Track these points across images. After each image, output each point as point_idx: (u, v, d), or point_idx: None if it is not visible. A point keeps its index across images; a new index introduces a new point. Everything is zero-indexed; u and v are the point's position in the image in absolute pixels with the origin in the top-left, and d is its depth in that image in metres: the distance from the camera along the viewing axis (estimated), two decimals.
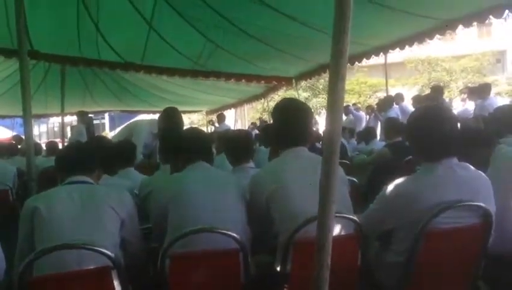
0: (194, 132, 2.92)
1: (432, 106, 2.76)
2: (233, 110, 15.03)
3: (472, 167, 2.28)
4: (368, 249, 2.24)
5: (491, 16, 6.26)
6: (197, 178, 2.40)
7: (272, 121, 2.67)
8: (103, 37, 6.88)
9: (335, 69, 1.44)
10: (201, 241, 2.13)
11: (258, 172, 2.56)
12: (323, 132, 1.46)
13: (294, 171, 2.28)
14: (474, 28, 6.99)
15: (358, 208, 2.46)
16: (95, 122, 14.13)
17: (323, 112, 28.62)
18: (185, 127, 4.86)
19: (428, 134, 2.23)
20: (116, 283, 1.91)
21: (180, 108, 5.47)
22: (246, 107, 16.53)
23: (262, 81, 9.50)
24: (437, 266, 2.19)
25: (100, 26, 6.52)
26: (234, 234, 2.02)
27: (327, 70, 7.38)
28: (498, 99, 10.26)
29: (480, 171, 2.30)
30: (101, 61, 7.87)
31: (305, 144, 2.41)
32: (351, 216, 2.13)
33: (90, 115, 10.97)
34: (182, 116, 4.75)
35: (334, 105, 1.42)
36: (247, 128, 16.14)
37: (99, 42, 7.02)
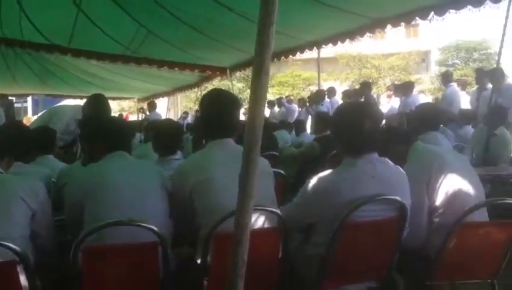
0: (114, 120, 2.81)
1: (355, 102, 2.84)
2: (166, 98, 14.75)
3: (391, 163, 2.36)
4: (289, 241, 2.26)
5: (417, 17, 6.55)
6: (115, 169, 2.30)
7: (199, 112, 2.62)
8: (27, 17, 6.48)
9: (259, 61, 1.41)
10: (120, 234, 2.04)
11: (182, 163, 2.51)
12: (246, 124, 1.43)
13: (219, 163, 2.25)
14: (402, 28, 7.26)
15: (286, 201, 2.48)
16: (16, 105, 13.35)
17: None
18: (115, 115, 4.69)
19: (350, 129, 2.28)
20: (22, 278, 1.80)
21: (110, 94, 5.29)
22: (179, 95, 16.30)
23: (196, 70, 9.38)
24: (355, 257, 2.26)
25: (24, 5, 6.13)
26: (153, 227, 1.96)
27: None
28: (421, 97, 10.79)
29: (398, 167, 2.39)
30: (23, 42, 7.43)
31: (232, 135, 2.39)
32: (273, 209, 2.14)
33: (10, 98, 10.34)
34: (108, 104, 4.57)
35: (257, 98, 1.40)
36: (179, 117, 15.92)
37: (23, 22, 6.62)
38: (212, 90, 2.66)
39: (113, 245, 2.04)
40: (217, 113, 2.40)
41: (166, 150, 3.43)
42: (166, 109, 15.20)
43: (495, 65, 6.66)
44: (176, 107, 17.97)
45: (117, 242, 2.05)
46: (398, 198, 2.22)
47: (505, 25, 5.69)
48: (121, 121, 2.84)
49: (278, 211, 2.15)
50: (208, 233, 2.01)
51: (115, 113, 17.33)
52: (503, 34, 5.70)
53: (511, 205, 2.37)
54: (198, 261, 2.11)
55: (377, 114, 2.50)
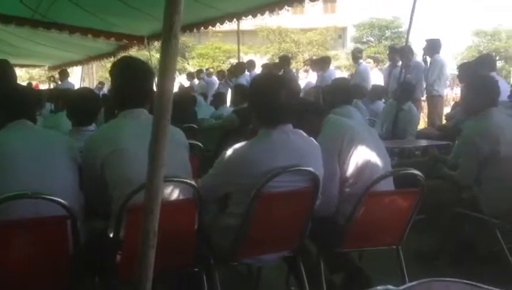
0: (16, 86, 2.61)
1: (271, 73, 2.85)
2: (79, 67, 14.01)
3: (305, 134, 2.42)
4: (205, 212, 2.26)
5: None
6: (17, 138, 2.13)
7: (110, 81, 2.50)
8: None
9: (168, 28, 1.36)
10: (24, 209, 1.92)
11: (93, 134, 2.40)
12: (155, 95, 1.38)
13: (130, 134, 2.17)
14: (320, 3, 7.40)
15: (204, 173, 2.46)
16: None
17: (177, 75, 28.30)
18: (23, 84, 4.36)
19: (265, 101, 2.30)
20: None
21: (17, 61, 4.90)
22: (95, 65, 15.56)
23: (112, 38, 8.93)
24: (270, 228, 2.31)
25: None
26: (60, 200, 1.86)
27: (182, 32, 7.23)
28: (337, 72, 11.14)
29: (311, 138, 2.45)
30: None
31: (144, 105, 2.31)
32: (187, 180, 2.11)
33: None
34: (13, 71, 4.23)
35: (166, 65, 1.35)
36: (94, 87, 15.24)
37: None
38: (122, 57, 2.55)
39: (18, 220, 1.91)
40: (127, 81, 2.30)
41: (81, 120, 3.27)
42: (80, 78, 14.48)
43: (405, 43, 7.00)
44: (91, 76, 17.16)
45: (21, 217, 1.92)
46: (311, 169, 2.28)
47: (414, 4, 5.97)
48: (24, 87, 2.64)
49: (193, 182, 2.13)
50: (120, 205, 1.95)
51: (23, 82, 16.25)
52: (412, 13, 5.99)
53: (414, 175, 2.53)
54: (111, 234, 2.05)
55: (293, 86, 2.55)
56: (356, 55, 9.02)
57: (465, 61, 10.18)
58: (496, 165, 3.15)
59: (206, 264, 2.30)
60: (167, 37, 1.32)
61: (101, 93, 12.11)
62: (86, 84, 15.94)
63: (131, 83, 2.28)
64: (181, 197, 2.19)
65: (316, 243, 2.58)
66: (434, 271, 3.17)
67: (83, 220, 2.14)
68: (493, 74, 5.70)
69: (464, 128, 3.57)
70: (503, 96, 4.17)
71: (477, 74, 5.16)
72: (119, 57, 11.29)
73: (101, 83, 15.87)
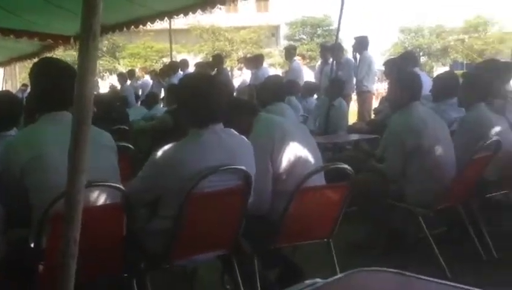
0: None
1: (199, 73, 2.82)
2: (1, 69, 13.25)
3: (236, 133, 2.41)
4: (135, 217, 2.20)
5: None
6: None
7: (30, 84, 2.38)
8: None
9: (86, 27, 1.31)
10: None
11: (12, 140, 2.27)
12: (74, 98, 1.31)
13: (52, 139, 2.06)
14: (253, 2, 7.42)
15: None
16: None
17: (107, 75, 27.51)
18: None
19: (194, 101, 2.27)
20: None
21: None
22: (18, 66, 14.77)
23: (36, 38, 8.45)
24: (203, 228, 2.28)
25: None
26: None
27: (111, 32, 7.05)
28: (271, 70, 11.26)
29: (243, 137, 2.45)
30: None
31: (67, 108, 2.20)
32: (114, 184, 2.04)
33: None
34: None
35: (85, 67, 1.29)
36: (18, 89, 14.49)
37: None
38: (42, 59, 2.44)
39: None
40: (49, 83, 2.19)
41: (1, 125, 3.08)
42: (2, 80, 13.70)
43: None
44: (14, 79, 16.27)
45: None
46: (243, 167, 2.28)
47: (342, 3, 6.14)
48: None
49: (120, 186, 2.06)
50: (41, 214, 1.85)
51: None
52: (341, 12, 6.16)
53: (344, 169, 2.60)
54: (32, 244, 1.94)
55: (223, 85, 2.53)
56: (290, 52, 9.14)
57: (391, 57, 10.61)
58: (419, 158, 3.30)
59: (137, 270, 2.23)
60: (86, 39, 1.26)
61: (25, 95, 11.52)
62: (8, 87, 15.12)
63: (53, 85, 2.17)
64: (108, 202, 2.11)
65: (250, 241, 2.59)
66: (366, 262, 3.26)
67: (2, 230, 2.02)
68: (416, 69, 6.00)
69: (389, 123, 3.71)
70: (426, 90, 4.38)
71: (401, 69, 5.40)
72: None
73: (25, 85, 15.06)
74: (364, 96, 7.95)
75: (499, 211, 3.82)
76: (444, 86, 4.44)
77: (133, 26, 7.61)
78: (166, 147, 2.23)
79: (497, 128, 3.56)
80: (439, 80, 4.68)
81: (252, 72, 9.08)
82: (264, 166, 2.57)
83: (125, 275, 2.20)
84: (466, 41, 33.43)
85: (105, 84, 18.60)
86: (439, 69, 29.28)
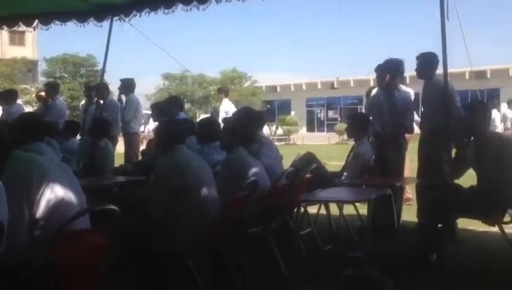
0: None
1: None
2: None
3: None
4: None
5: (21, 23, 6.22)
6: None
7: None
8: None
9: None
10: None
11: None
12: None
13: None
14: (6, 33, 6.78)
15: None
16: None
17: None
18: None
19: None
20: None
21: None
22: None
23: None
24: None
25: None
26: None
27: None
28: (27, 108, 10.37)
29: None
30: None
31: None
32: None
33: None
34: None
35: None
36: None
37: None
38: None
39: None
40: None
41: None
42: None
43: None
44: None
45: None
46: None
47: (108, 44, 6.10)
48: None
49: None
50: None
51: None
52: (106, 52, 6.10)
53: (111, 210, 2.48)
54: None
55: None
56: (54, 89, 8.56)
57: (158, 101, 10.91)
58: (185, 195, 3.44)
59: None
60: None
61: None
62: None
63: None
64: None
65: None
66: None
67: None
68: (181, 113, 6.31)
69: (156, 164, 3.77)
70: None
71: (171, 113, 5.65)
72: None
73: None
74: (131, 138, 7.96)
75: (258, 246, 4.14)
76: (208, 131, 4.79)
77: None
78: None
79: (254, 170, 3.99)
80: (201, 126, 5.03)
81: (3, 108, 8.26)
82: (19, 211, 2.27)
83: None
84: None
85: None
86: (202, 116, 31.32)
